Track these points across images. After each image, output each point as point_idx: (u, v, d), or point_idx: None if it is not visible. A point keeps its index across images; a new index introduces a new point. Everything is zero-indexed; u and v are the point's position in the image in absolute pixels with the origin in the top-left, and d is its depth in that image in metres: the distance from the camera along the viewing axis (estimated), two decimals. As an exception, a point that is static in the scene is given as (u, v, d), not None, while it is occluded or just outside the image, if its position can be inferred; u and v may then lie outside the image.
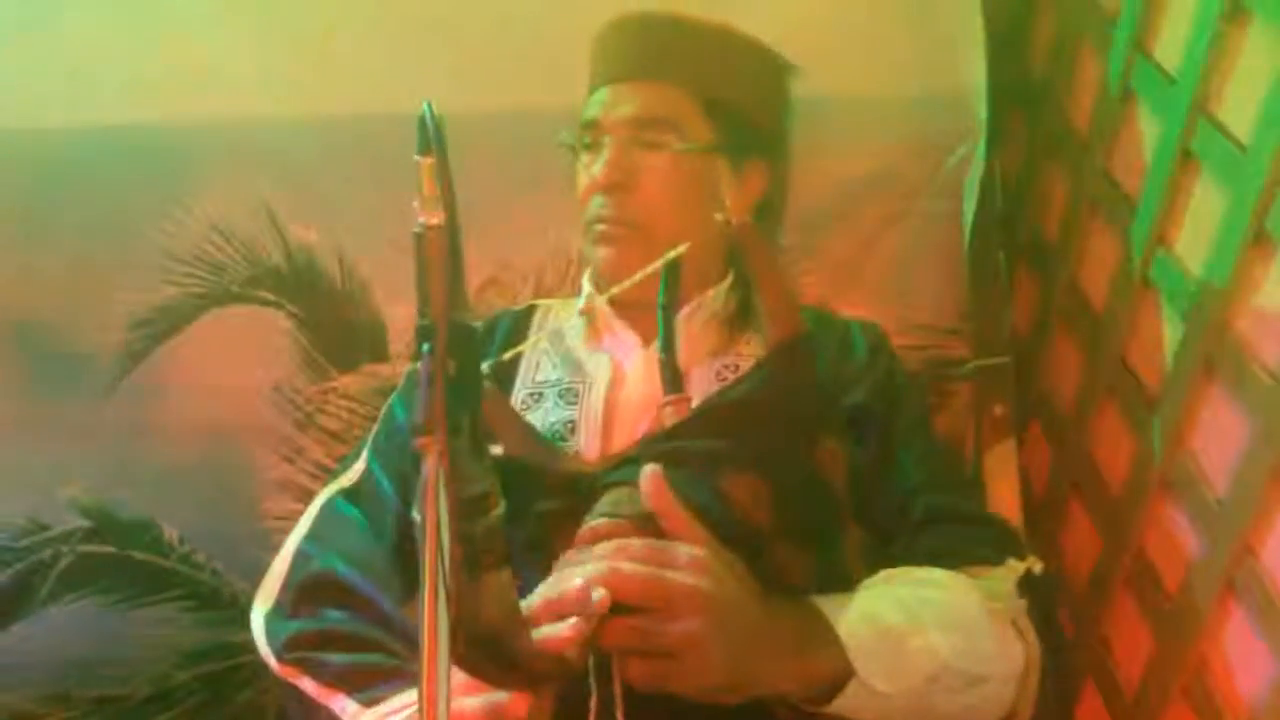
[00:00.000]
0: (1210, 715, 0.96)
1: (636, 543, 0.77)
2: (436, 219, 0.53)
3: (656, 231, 1.02)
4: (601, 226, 1.05)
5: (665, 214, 1.03)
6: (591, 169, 1.06)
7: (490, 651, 0.64)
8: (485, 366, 1.01)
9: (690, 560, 0.76)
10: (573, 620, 0.70)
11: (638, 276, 0.98)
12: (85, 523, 1.35)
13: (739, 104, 1.08)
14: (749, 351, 1.03)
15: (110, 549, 1.35)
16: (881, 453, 0.98)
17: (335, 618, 0.92)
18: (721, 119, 1.06)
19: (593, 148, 1.07)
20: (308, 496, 1.08)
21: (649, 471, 0.79)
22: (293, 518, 1.06)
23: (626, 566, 0.74)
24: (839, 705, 0.79)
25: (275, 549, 1.02)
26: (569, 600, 0.72)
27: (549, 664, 0.69)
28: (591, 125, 1.07)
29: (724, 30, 1.10)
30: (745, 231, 0.90)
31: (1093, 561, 1.19)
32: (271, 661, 0.93)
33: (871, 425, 0.98)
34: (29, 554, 1.35)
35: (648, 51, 1.08)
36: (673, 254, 0.97)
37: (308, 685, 0.90)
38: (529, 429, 0.97)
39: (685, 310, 1.04)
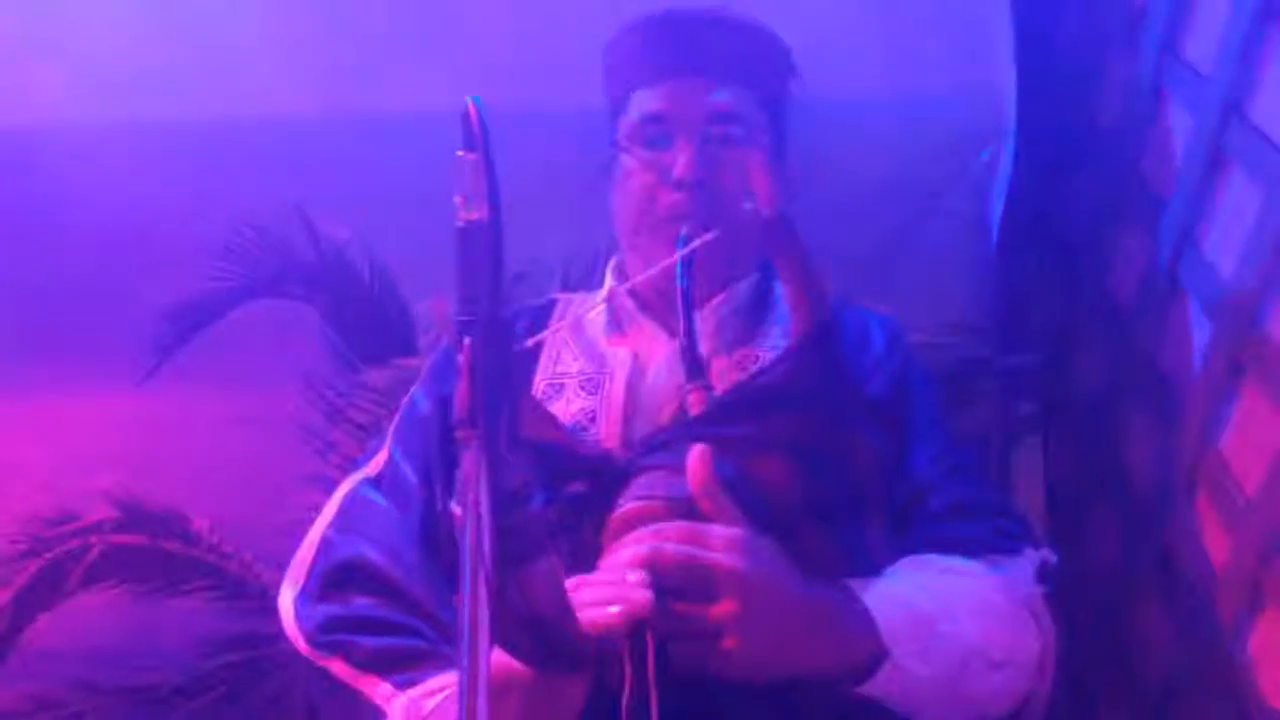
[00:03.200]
0: (1236, 715, 0.96)
1: (674, 525, 0.77)
2: (479, 215, 0.54)
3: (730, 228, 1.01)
4: (685, 230, 1.01)
5: (737, 210, 1.02)
6: (660, 163, 1.05)
7: (537, 637, 0.65)
8: None
9: (729, 542, 0.77)
10: (617, 606, 0.71)
11: (663, 264, 0.99)
12: (115, 513, 1.36)
13: (780, 100, 1.10)
14: (769, 342, 1.04)
15: (140, 539, 1.37)
16: (898, 445, 0.98)
17: (365, 603, 0.93)
18: (772, 115, 1.08)
19: (658, 141, 1.06)
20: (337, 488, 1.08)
21: (697, 450, 0.79)
22: (322, 509, 1.06)
23: (668, 548, 0.75)
24: (872, 687, 0.80)
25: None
26: (614, 584, 0.73)
27: (592, 648, 0.70)
28: (657, 118, 1.07)
29: (759, 27, 1.11)
30: (781, 222, 0.90)
31: (1118, 560, 1.19)
32: (301, 644, 0.94)
33: (887, 418, 0.98)
34: (59, 544, 1.36)
35: (711, 49, 1.08)
36: (698, 242, 0.97)
37: (339, 668, 0.90)
38: (549, 415, 0.97)
39: (716, 300, 1.05)
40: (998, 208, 1.32)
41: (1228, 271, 1.01)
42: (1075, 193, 1.35)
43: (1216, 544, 1.01)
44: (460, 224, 0.54)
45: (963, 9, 1.30)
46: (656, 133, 1.07)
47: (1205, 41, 1.06)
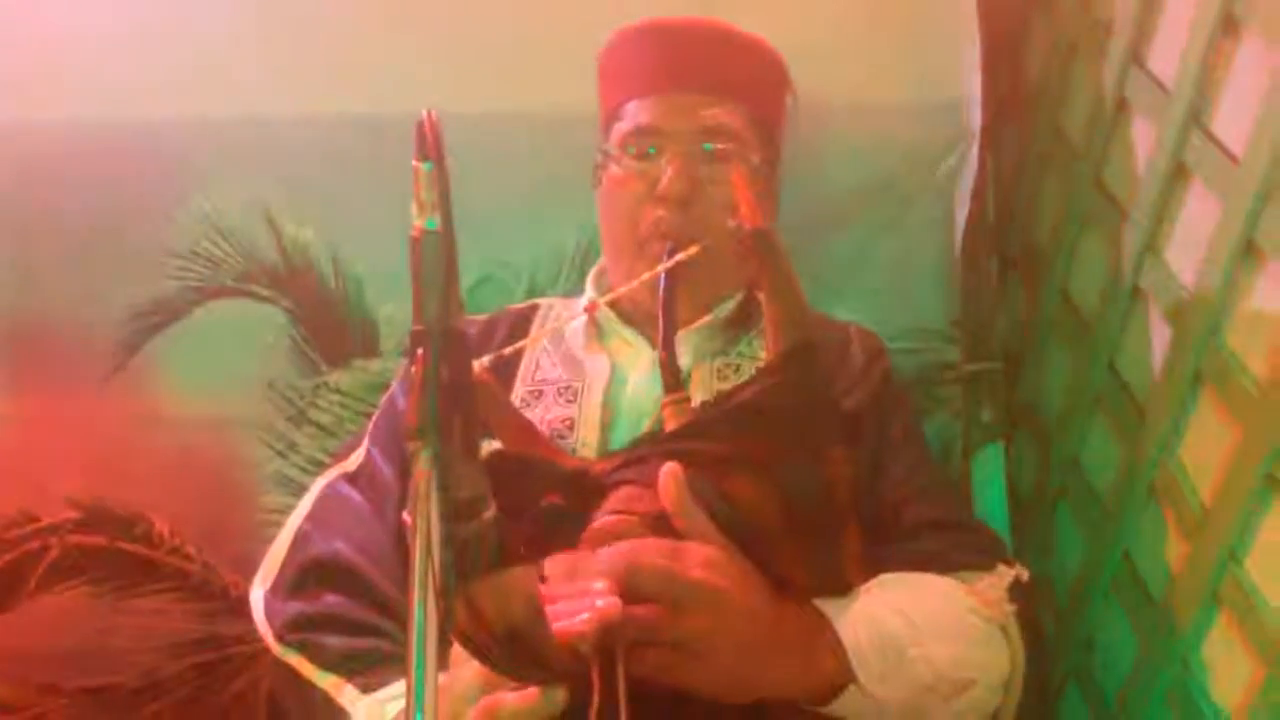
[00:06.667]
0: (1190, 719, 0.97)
1: (651, 541, 0.77)
2: (433, 224, 0.54)
3: (715, 246, 1.00)
4: (670, 245, 1.02)
5: (723, 227, 1.00)
6: (648, 176, 1.05)
7: (512, 646, 0.65)
8: (487, 360, 0.99)
9: (705, 558, 0.77)
10: (587, 615, 0.70)
11: (644, 277, 0.98)
12: (75, 514, 1.35)
13: (773, 119, 1.10)
14: (749, 352, 1.05)
15: (100, 540, 1.35)
16: (872, 461, 0.98)
17: (336, 601, 0.93)
18: (764, 133, 1.08)
19: (648, 156, 1.06)
20: (300, 490, 1.08)
21: (667, 469, 0.79)
22: (285, 511, 1.06)
23: (645, 559, 0.75)
24: (836, 707, 0.81)
25: (266, 542, 1.02)
26: (583, 593, 0.72)
27: (566, 657, 0.70)
28: (649, 132, 1.06)
29: (756, 42, 1.11)
30: (767, 237, 0.89)
31: (1079, 566, 1.20)
32: (270, 641, 0.93)
33: (863, 434, 0.99)
34: (18, 545, 1.35)
35: (704, 64, 1.07)
36: (681, 255, 0.96)
37: (305, 667, 0.90)
38: (530, 425, 0.97)
39: (700, 322, 1.06)
40: (962, 215, 1.32)
41: (1188, 280, 1.02)
42: (1039, 201, 1.36)
43: (1174, 551, 1.02)
44: (414, 233, 0.54)
45: (930, 18, 1.30)
46: (646, 145, 1.06)
47: (1169, 55, 1.07)
